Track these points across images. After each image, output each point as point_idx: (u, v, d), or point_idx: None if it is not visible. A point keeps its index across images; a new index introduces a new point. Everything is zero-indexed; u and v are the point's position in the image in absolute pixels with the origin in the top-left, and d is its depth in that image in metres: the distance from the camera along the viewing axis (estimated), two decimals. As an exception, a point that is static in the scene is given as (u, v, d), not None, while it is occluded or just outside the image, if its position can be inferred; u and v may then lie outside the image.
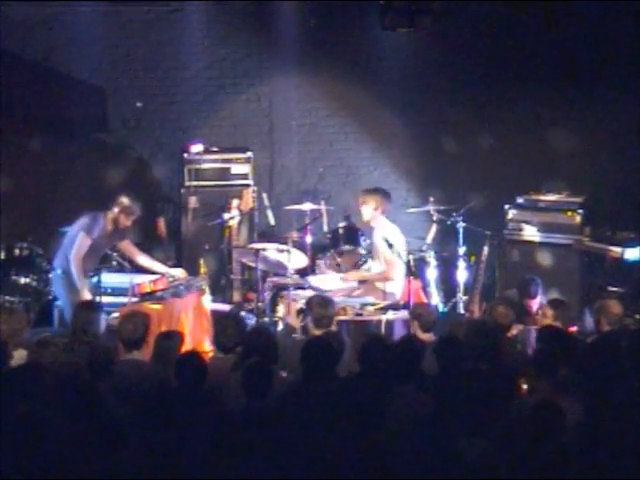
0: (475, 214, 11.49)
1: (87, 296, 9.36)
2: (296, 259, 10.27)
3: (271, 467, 5.35)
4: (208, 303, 10.08)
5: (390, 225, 10.32)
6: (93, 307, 8.37)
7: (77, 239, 9.63)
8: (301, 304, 9.28)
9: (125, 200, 9.86)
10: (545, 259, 11.20)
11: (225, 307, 10.73)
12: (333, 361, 6.91)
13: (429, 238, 11.39)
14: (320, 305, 8.38)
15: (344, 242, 10.95)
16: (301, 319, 8.94)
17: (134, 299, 9.35)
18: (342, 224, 10.98)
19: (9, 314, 8.01)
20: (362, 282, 10.34)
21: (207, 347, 9.19)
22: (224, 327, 7.68)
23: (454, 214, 11.37)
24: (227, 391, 6.78)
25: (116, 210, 9.82)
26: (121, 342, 7.52)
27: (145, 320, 7.61)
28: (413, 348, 6.94)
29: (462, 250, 11.32)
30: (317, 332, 8.16)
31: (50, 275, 10.24)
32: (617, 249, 10.98)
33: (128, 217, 9.88)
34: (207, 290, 10.17)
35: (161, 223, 12.10)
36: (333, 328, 8.32)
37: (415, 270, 10.11)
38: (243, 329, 7.82)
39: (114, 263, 10.64)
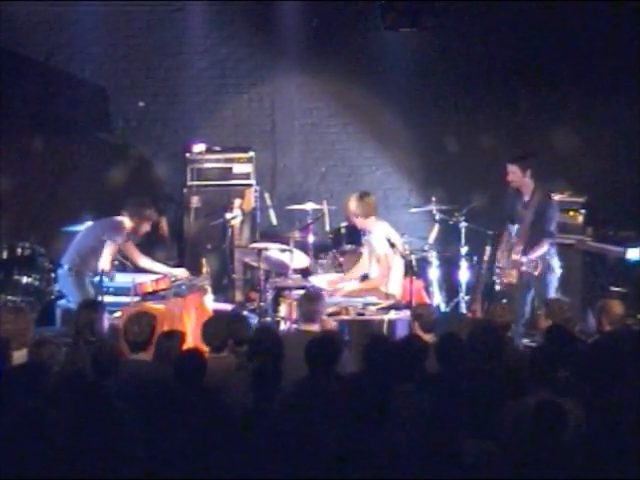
0: (477, 214, 11.49)
1: None
2: (298, 259, 10.26)
3: (272, 466, 5.35)
4: (210, 303, 10.09)
5: (385, 225, 10.23)
6: (95, 306, 8.37)
7: (106, 248, 9.67)
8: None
9: (148, 210, 9.93)
10: (547, 259, 11.17)
11: (227, 307, 10.73)
12: (334, 360, 6.92)
13: (431, 238, 11.37)
14: (307, 300, 8.45)
15: (346, 242, 10.97)
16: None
17: (136, 298, 9.36)
18: (344, 224, 10.98)
19: (15, 314, 8.00)
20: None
21: (208, 346, 9.18)
22: (209, 326, 7.69)
23: (456, 214, 11.37)
24: (232, 391, 6.78)
25: (136, 219, 9.84)
26: (127, 343, 7.51)
27: (151, 321, 7.59)
28: (416, 347, 6.94)
29: (464, 250, 11.32)
30: (306, 327, 8.24)
31: (56, 272, 10.21)
32: (619, 249, 10.99)
33: (149, 224, 9.97)
34: (209, 290, 10.18)
35: (163, 223, 12.10)
36: (316, 325, 8.32)
37: (417, 270, 10.10)
38: (238, 328, 7.82)
39: (116, 263, 10.63)
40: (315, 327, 8.27)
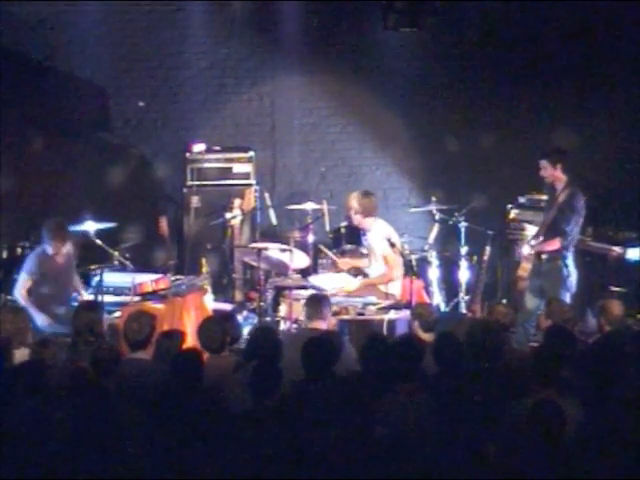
0: (477, 214, 11.50)
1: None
2: (298, 259, 10.27)
3: (273, 466, 5.35)
4: (210, 302, 10.10)
5: (384, 224, 10.25)
6: (94, 307, 8.37)
7: (20, 280, 9.59)
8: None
9: (62, 231, 9.64)
10: (547, 259, 11.18)
11: (227, 306, 10.73)
12: (333, 360, 6.92)
13: (431, 238, 11.39)
14: (314, 300, 8.54)
15: (346, 241, 10.97)
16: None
17: (136, 298, 9.37)
18: (344, 223, 10.99)
19: (13, 313, 8.03)
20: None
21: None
22: (204, 330, 7.69)
23: (456, 214, 11.38)
24: (230, 391, 6.79)
25: (56, 242, 9.62)
26: (126, 342, 7.53)
27: (151, 320, 7.61)
28: (413, 347, 6.93)
29: (464, 250, 11.33)
30: (313, 325, 8.30)
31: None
32: (619, 249, 11.00)
33: (62, 241, 9.64)
34: (209, 289, 10.19)
35: (163, 222, 12.11)
36: (323, 325, 8.34)
37: (417, 270, 10.10)
38: (228, 327, 7.83)
39: (116, 262, 10.63)
40: (323, 325, 8.29)
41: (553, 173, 9.73)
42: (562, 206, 9.69)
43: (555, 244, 9.63)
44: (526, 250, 9.74)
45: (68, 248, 9.75)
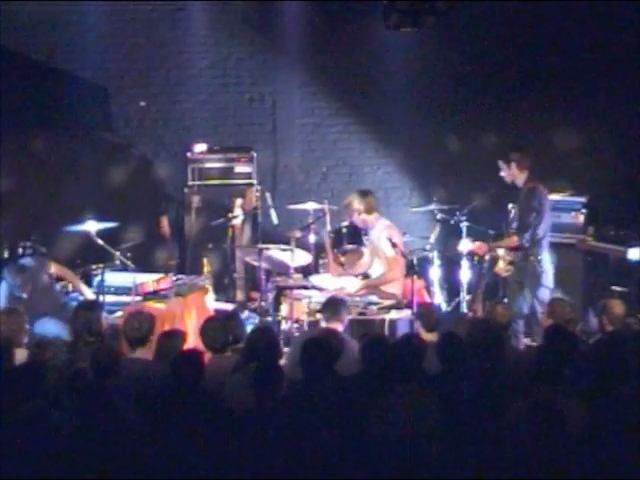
0: (479, 213, 11.48)
1: None
2: (299, 257, 10.26)
3: (274, 466, 5.35)
4: (211, 302, 10.10)
5: (387, 223, 10.26)
6: (92, 306, 8.37)
7: None
8: (306, 302, 9.58)
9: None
10: (548, 258, 11.17)
11: (228, 306, 10.73)
12: (331, 359, 6.92)
13: (432, 237, 11.38)
14: (331, 303, 8.57)
15: (347, 241, 10.96)
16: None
17: (137, 298, 9.37)
18: (345, 223, 10.97)
19: (7, 315, 8.03)
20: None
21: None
22: (207, 330, 7.69)
23: (458, 213, 11.35)
24: (231, 391, 6.79)
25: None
26: (126, 340, 7.55)
27: (150, 318, 7.64)
28: (413, 347, 6.93)
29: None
30: (330, 325, 8.33)
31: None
32: (620, 249, 10.99)
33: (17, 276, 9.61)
34: (210, 289, 10.19)
35: (164, 222, 12.11)
36: (340, 326, 8.36)
37: (418, 269, 10.10)
38: (232, 327, 7.83)
39: (117, 262, 10.63)
40: (340, 327, 8.30)
41: (509, 172, 9.74)
42: (520, 204, 9.71)
43: (512, 242, 9.63)
44: (462, 245, 9.80)
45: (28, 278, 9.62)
